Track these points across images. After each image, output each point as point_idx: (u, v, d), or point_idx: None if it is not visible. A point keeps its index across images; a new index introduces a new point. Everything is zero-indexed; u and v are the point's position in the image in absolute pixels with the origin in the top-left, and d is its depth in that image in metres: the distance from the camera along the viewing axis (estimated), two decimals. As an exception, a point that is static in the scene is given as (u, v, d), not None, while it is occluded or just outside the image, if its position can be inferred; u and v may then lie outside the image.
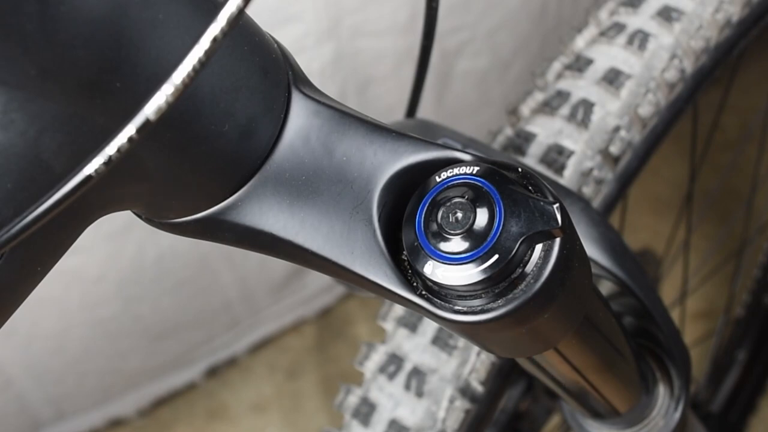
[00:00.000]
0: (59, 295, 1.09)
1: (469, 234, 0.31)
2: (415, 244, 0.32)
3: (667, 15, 0.65)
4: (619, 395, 0.49)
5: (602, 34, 0.66)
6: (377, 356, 0.61)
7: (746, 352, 1.14)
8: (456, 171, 0.33)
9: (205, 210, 0.34)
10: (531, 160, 0.61)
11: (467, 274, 0.31)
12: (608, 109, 0.61)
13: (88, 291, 1.11)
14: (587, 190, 0.60)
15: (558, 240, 0.31)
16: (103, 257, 1.08)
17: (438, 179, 0.33)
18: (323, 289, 1.35)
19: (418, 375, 0.59)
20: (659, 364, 0.54)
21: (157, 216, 0.35)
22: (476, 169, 0.32)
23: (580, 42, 0.67)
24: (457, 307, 0.32)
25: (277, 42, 0.35)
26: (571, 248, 0.32)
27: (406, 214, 0.33)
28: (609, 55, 0.64)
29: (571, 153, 0.60)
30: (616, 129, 0.61)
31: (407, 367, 0.59)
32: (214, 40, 0.24)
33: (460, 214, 0.31)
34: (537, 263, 0.31)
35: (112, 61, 0.27)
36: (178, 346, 1.28)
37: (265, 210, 0.34)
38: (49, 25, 0.25)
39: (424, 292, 0.33)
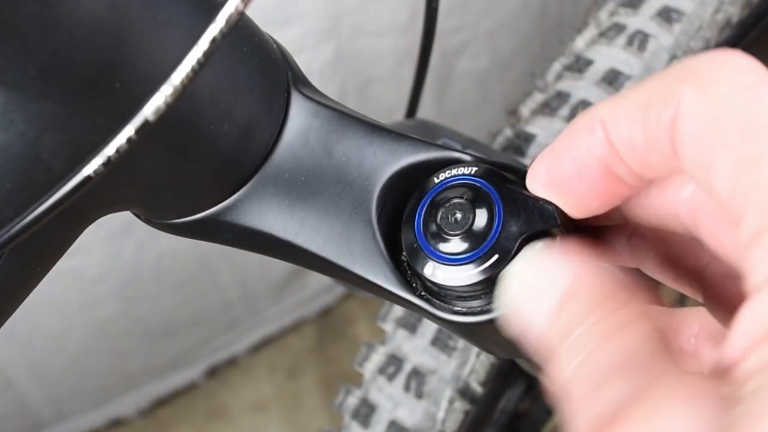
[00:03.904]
0: (59, 296, 1.08)
1: (469, 234, 0.31)
2: (414, 245, 0.32)
3: (666, 16, 0.65)
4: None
5: (602, 34, 0.66)
6: (377, 357, 0.61)
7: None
8: (455, 171, 0.33)
9: (205, 211, 0.34)
10: (531, 160, 0.61)
11: (467, 275, 0.31)
12: (608, 109, 0.61)
13: (88, 291, 1.10)
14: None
15: (558, 239, 0.31)
16: (103, 257, 1.08)
17: (437, 180, 0.33)
18: (323, 290, 1.35)
19: (417, 376, 0.59)
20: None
21: (156, 216, 0.35)
22: (475, 169, 0.32)
23: (579, 43, 0.67)
24: (456, 308, 0.32)
25: (276, 42, 0.35)
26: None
27: (405, 215, 0.33)
28: (609, 56, 0.64)
29: (570, 153, 0.60)
30: (616, 129, 0.61)
31: (407, 368, 0.59)
32: (213, 40, 0.24)
33: (459, 215, 0.31)
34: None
35: (111, 61, 0.27)
36: (178, 346, 1.28)
37: (265, 210, 0.34)
38: (48, 26, 0.25)
39: (423, 293, 0.33)
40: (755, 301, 0.22)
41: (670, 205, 0.29)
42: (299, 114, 0.34)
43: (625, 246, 0.34)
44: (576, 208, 0.29)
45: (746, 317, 0.22)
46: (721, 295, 0.31)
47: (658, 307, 0.26)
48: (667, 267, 0.32)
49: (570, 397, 0.23)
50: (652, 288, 0.27)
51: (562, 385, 0.24)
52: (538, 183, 0.29)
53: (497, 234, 0.31)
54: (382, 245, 0.33)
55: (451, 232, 0.31)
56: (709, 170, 0.23)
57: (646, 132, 0.25)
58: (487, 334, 0.33)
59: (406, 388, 0.59)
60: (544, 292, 0.27)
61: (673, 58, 0.63)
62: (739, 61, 0.24)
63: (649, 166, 0.26)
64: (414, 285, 0.33)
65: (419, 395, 0.58)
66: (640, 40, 0.63)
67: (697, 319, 0.31)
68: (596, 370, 0.23)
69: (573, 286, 0.26)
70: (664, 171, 0.26)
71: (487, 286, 0.31)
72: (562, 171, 0.28)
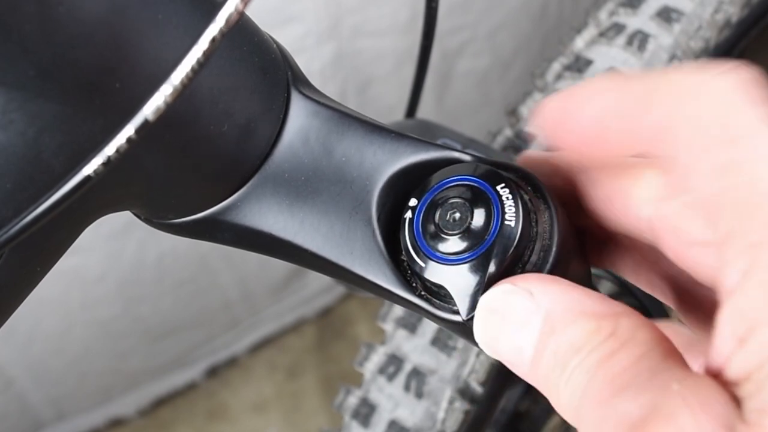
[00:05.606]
0: (59, 295, 1.09)
1: (467, 234, 0.31)
2: (414, 244, 0.32)
3: (666, 16, 0.65)
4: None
5: (602, 34, 0.66)
6: (377, 357, 0.61)
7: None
8: (454, 171, 0.33)
9: (204, 210, 0.34)
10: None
11: (466, 274, 0.31)
12: (608, 109, 0.61)
13: (89, 291, 1.11)
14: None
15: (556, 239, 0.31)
16: (103, 257, 1.08)
17: (436, 180, 0.33)
18: (323, 289, 1.35)
19: (417, 376, 0.59)
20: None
21: (156, 216, 0.35)
22: (474, 169, 0.32)
23: (579, 42, 0.67)
24: (456, 308, 0.32)
25: (276, 42, 0.35)
26: (570, 248, 0.32)
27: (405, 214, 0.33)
28: (608, 56, 0.64)
29: (570, 153, 0.60)
30: (616, 129, 0.61)
31: (407, 367, 0.59)
32: (213, 40, 0.24)
33: (457, 215, 0.31)
34: (535, 263, 0.31)
35: (110, 61, 0.27)
36: (179, 346, 1.28)
37: (265, 210, 0.34)
38: (47, 26, 0.25)
39: (423, 293, 0.33)
40: (733, 303, 0.22)
41: (633, 222, 0.29)
42: (299, 114, 0.34)
43: (602, 247, 0.34)
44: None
45: (726, 320, 0.22)
46: (693, 301, 0.31)
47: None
48: (641, 272, 0.33)
49: (581, 426, 0.24)
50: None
51: (571, 416, 0.24)
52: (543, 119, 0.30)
53: (495, 233, 0.31)
54: (382, 245, 0.33)
55: (450, 232, 0.31)
56: (692, 169, 0.24)
57: (643, 117, 0.26)
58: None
59: (406, 387, 0.59)
60: (519, 334, 0.27)
61: (672, 57, 0.63)
62: (737, 74, 0.25)
63: (634, 139, 0.26)
64: (414, 285, 0.33)
65: (419, 395, 0.58)
66: (639, 40, 0.63)
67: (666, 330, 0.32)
68: (602, 397, 0.23)
69: (549, 324, 0.26)
70: (645, 149, 0.26)
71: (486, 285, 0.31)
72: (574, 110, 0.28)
